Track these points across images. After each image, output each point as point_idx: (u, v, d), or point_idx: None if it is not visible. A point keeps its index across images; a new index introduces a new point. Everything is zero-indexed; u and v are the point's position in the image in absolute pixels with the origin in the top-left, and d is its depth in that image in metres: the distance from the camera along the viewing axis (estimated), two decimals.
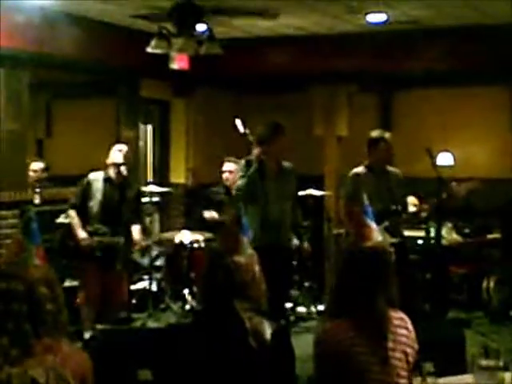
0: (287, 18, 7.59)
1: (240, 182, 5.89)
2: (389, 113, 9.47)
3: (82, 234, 6.26)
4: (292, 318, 7.26)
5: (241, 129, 6.21)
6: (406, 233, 6.94)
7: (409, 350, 2.92)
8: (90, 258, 6.26)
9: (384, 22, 7.75)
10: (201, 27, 6.83)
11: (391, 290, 2.93)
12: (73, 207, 6.36)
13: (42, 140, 9.86)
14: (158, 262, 7.82)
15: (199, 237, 7.37)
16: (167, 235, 7.77)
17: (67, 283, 6.56)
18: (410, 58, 8.33)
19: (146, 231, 7.13)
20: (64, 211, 6.68)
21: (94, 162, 6.76)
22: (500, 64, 8.10)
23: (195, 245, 7.36)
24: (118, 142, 7.09)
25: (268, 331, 2.91)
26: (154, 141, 9.45)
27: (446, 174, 7.03)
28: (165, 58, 7.29)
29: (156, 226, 8.97)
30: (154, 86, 8.94)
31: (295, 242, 6.45)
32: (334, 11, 7.35)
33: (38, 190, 6.98)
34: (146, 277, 7.61)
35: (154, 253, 7.77)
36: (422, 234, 7.51)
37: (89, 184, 6.33)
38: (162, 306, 7.53)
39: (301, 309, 7.58)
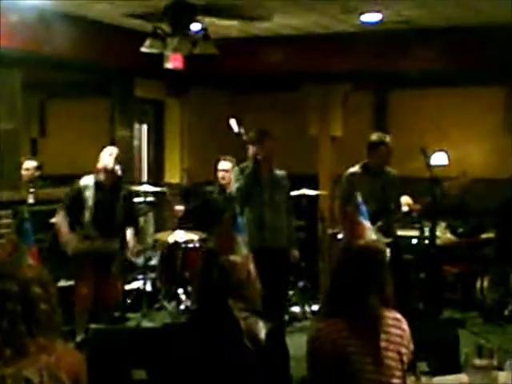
0: (282, 17, 7.58)
1: (238, 184, 5.98)
2: (383, 112, 9.48)
3: (66, 236, 6.24)
4: (286, 317, 7.26)
5: (235, 128, 6.23)
6: (400, 232, 6.97)
7: (403, 350, 2.91)
8: (83, 261, 6.25)
9: (378, 22, 7.76)
10: (195, 27, 6.82)
11: (386, 290, 2.92)
12: (62, 209, 6.32)
13: (36, 139, 9.85)
14: (153, 262, 7.81)
15: (193, 236, 7.37)
16: (161, 235, 7.76)
17: (61, 283, 6.55)
18: (405, 57, 8.31)
19: (140, 232, 7.10)
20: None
21: (88, 161, 6.74)
22: (495, 64, 8.10)
23: (189, 244, 7.36)
24: (112, 142, 7.07)
25: (262, 331, 2.91)
26: (148, 140, 9.43)
27: (441, 174, 7.04)
28: (159, 58, 7.27)
29: (150, 226, 8.96)
30: (149, 85, 8.93)
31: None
32: (328, 11, 7.35)
33: (31, 189, 6.96)
34: (140, 276, 7.60)
35: (149, 253, 7.77)
36: (416, 233, 7.50)
37: (79, 192, 6.28)
38: (157, 305, 7.52)
39: (295, 309, 7.57)
